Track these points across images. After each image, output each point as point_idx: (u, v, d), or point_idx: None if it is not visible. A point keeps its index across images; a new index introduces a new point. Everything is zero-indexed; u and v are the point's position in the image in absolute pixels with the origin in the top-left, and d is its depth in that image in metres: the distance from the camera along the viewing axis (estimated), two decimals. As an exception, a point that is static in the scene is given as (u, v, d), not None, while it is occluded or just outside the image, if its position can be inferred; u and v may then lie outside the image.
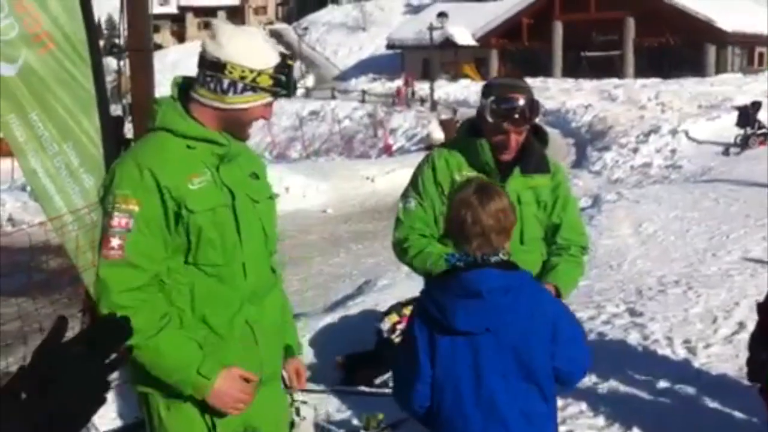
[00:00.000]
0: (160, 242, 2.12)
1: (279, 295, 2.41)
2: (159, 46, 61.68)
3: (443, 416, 2.27)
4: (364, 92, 40.53)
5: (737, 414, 4.10)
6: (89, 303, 3.77)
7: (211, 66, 2.13)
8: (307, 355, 5.86)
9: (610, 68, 40.80)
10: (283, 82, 2.16)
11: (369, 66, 52.99)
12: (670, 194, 12.17)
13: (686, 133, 21.07)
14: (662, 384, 4.58)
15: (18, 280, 6.72)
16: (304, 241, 13.93)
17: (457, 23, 44.61)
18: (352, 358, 5.46)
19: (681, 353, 5.10)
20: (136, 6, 4.16)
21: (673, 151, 20.01)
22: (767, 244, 7.95)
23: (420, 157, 3.70)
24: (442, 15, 40.89)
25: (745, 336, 5.11)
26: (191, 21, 78.83)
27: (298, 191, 17.50)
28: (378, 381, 5.24)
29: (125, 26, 4.19)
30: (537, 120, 2.89)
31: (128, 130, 4.83)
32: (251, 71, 2.11)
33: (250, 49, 2.13)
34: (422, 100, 36.21)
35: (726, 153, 18.52)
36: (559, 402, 3.37)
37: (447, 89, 38.84)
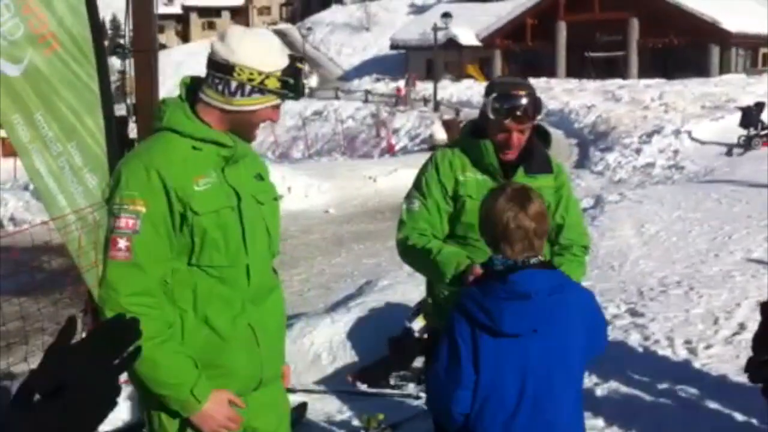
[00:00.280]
0: (166, 243, 2.13)
1: (280, 297, 2.42)
2: (163, 46, 61.70)
3: (485, 422, 2.24)
4: (367, 92, 40.53)
5: (737, 415, 4.10)
6: (91, 303, 3.79)
7: (219, 68, 2.14)
8: (314, 361, 5.86)
9: (613, 69, 40.76)
10: (290, 85, 2.16)
11: (373, 66, 52.98)
12: (673, 195, 12.16)
13: (689, 134, 21.03)
14: (663, 384, 4.58)
15: (20, 280, 6.75)
16: (305, 241, 13.95)
17: (461, 24, 44.57)
18: (364, 371, 5.40)
19: (682, 354, 5.11)
20: (141, 6, 4.17)
21: (676, 152, 19.97)
22: (769, 245, 7.95)
23: (423, 157, 3.72)
24: (446, 15, 40.82)
25: (746, 337, 5.12)
26: (195, 21, 78.85)
27: (301, 191, 17.50)
28: (392, 381, 5.23)
29: (130, 27, 4.20)
30: (540, 120, 2.91)
31: (132, 130, 4.84)
32: (259, 74, 2.12)
33: (258, 51, 2.14)
34: (425, 101, 36.21)
35: (729, 154, 18.49)
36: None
37: (450, 89, 38.84)
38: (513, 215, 2.21)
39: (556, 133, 21.40)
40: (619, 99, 29.66)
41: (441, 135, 24.55)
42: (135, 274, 2.09)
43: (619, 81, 36.40)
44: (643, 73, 39.88)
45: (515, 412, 2.21)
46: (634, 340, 5.41)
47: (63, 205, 3.93)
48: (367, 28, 62.57)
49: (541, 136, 2.97)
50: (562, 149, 22.08)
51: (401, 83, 40.41)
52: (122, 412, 4.19)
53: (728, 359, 4.88)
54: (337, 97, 41.19)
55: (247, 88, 2.13)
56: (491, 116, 2.76)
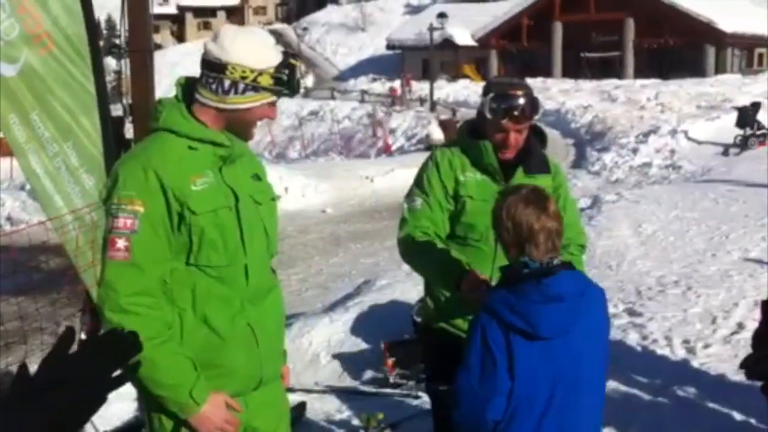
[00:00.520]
0: (165, 243, 2.12)
1: (279, 296, 2.41)
2: (158, 46, 61.62)
3: (513, 428, 2.20)
4: (363, 92, 40.55)
5: (736, 414, 4.10)
6: (89, 303, 3.77)
7: (212, 67, 2.14)
8: (313, 360, 5.86)
9: (609, 69, 40.85)
10: (284, 81, 2.16)
11: (369, 66, 53.00)
12: (670, 195, 12.18)
13: (686, 134, 21.08)
14: (661, 384, 4.58)
15: (18, 280, 6.74)
16: (303, 241, 13.95)
17: (456, 24, 44.62)
18: (400, 344, 5.42)
19: (680, 353, 5.11)
20: (137, 6, 4.16)
21: (673, 152, 20.01)
22: (766, 244, 7.96)
23: (420, 157, 3.71)
24: (441, 15, 40.83)
25: (744, 336, 5.12)
26: (191, 21, 78.81)
27: (298, 191, 17.51)
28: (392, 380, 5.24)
29: (126, 27, 4.19)
30: (536, 121, 2.90)
31: (128, 130, 4.83)
32: (252, 71, 2.12)
33: (250, 49, 2.14)
34: (422, 101, 36.23)
35: (725, 153, 18.54)
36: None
37: (446, 90, 38.87)
38: (536, 217, 2.20)
39: (552, 134, 21.46)
40: (615, 99, 29.72)
41: (438, 135, 24.56)
42: (134, 273, 2.08)
43: (615, 81, 36.48)
44: (639, 73, 39.98)
45: (541, 418, 2.19)
46: (633, 339, 5.42)
47: (60, 205, 3.91)
48: (362, 28, 62.59)
49: (537, 136, 2.97)
50: (558, 149, 22.10)
51: (396, 83, 40.44)
52: (127, 412, 4.19)
53: (726, 358, 4.88)
54: (333, 97, 41.20)
55: (241, 85, 2.13)
56: (489, 116, 2.75)
